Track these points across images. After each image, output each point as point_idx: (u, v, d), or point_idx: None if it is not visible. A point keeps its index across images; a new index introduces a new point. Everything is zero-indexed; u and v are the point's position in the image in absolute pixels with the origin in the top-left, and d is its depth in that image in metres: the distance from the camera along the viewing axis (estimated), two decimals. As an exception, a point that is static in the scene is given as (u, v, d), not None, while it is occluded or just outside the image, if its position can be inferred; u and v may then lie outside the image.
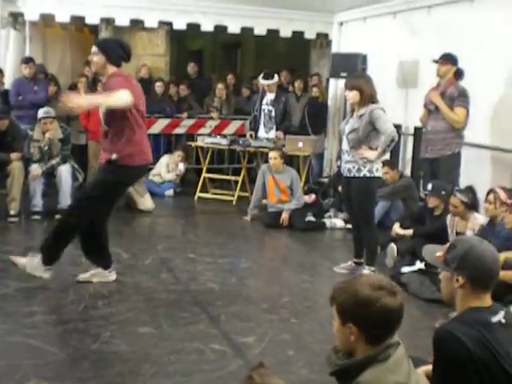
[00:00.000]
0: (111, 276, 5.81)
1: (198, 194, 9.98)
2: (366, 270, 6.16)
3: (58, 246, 5.50)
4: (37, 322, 4.80)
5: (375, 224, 6.56)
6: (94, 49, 5.36)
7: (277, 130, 9.90)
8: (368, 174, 6.04)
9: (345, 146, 6.19)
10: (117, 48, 5.36)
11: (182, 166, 10.27)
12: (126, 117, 5.24)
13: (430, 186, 6.74)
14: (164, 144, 11.02)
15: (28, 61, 9.61)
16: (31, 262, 5.52)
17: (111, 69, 5.34)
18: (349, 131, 6.09)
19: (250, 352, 4.43)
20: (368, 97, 5.98)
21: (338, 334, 2.47)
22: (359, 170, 6.05)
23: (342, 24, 10.69)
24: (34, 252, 5.61)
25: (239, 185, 9.89)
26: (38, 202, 8.12)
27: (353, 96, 6.03)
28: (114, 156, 5.31)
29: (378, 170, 6.14)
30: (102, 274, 5.77)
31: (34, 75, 9.66)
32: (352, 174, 6.10)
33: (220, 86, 11.52)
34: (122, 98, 5.08)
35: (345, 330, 2.43)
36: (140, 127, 5.39)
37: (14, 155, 7.99)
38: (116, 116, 5.23)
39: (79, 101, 5.17)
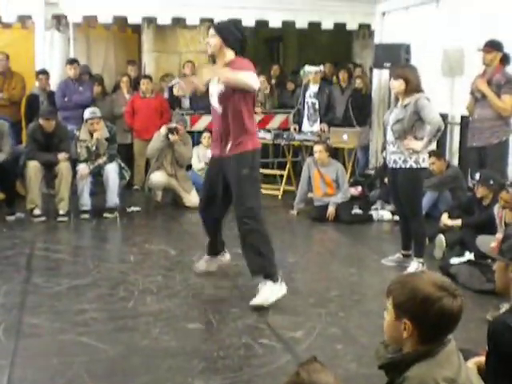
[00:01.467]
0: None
1: (243, 189, 9.93)
2: (415, 262, 6.09)
3: (268, 253, 5.41)
4: (88, 320, 4.87)
5: (423, 215, 6.47)
6: (211, 31, 5.27)
7: (321, 122, 9.85)
8: (414, 165, 5.96)
9: (390, 137, 6.11)
10: (233, 30, 5.26)
11: (209, 153, 10.11)
12: (241, 103, 5.20)
13: (478, 176, 6.64)
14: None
15: (72, 62, 9.75)
16: (265, 294, 5.23)
17: (228, 52, 5.21)
18: (393, 122, 6.02)
19: (298, 346, 4.43)
20: (413, 86, 5.89)
21: (390, 328, 2.41)
22: (405, 161, 5.97)
23: (384, 14, 10.54)
24: (82, 251, 5.64)
25: (284, 179, 9.87)
26: (86, 201, 8.21)
27: (398, 85, 5.94)
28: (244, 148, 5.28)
29: (425, 161, 6.05)
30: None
31: (79, 76, 9.79)
32: (398, 165, 6.03)
33: (262, 78, 11.40)
34: (251, 78, 5.08)
35: (398, 325, 2.36)
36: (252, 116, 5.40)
37: (61, 156, 8.09)
38: (233, 99, 5.21)
39: (205, 75, 5.29)
